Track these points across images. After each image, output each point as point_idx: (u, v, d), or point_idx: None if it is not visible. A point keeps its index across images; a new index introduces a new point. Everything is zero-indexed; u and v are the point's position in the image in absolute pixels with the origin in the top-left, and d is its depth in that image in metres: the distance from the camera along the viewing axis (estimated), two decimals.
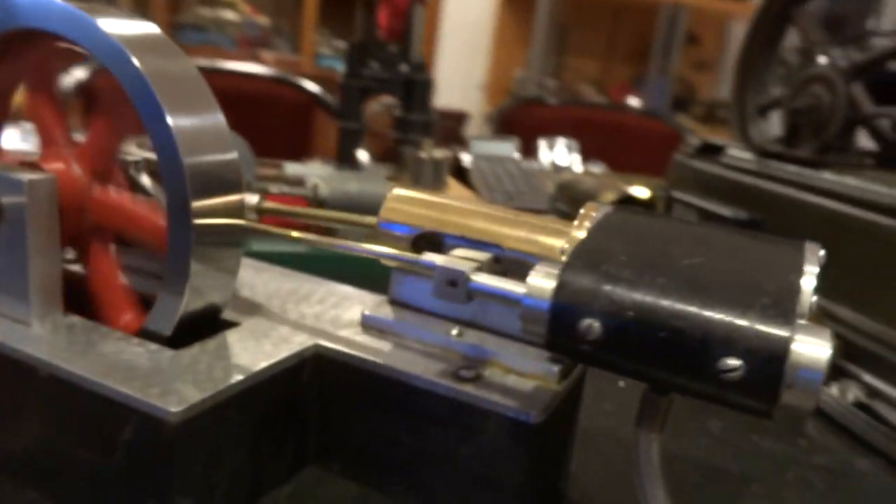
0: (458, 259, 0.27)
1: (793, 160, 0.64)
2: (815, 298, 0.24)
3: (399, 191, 0.34)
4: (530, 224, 0.31)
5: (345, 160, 0.91)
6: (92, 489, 0.28)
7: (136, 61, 0.28)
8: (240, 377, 0.27)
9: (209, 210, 0.29)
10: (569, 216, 0.87)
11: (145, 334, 0.30)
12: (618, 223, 0.28)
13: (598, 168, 1.08)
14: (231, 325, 0.32)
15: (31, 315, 0.29)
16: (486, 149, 1.06)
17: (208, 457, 0.27)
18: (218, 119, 0.30)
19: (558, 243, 0.30)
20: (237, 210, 0.30)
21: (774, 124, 0.81)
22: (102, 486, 0.27)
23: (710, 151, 0.77)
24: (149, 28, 0.30)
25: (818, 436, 0.41)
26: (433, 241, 0.33)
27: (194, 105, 0.29)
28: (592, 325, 0.23)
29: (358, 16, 0.91)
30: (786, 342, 0.20)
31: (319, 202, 0.61)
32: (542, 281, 0.24)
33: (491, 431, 0.28)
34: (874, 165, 0.63)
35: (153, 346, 0.29)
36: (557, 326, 0.24)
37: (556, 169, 1.07)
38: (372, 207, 0.62)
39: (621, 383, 0.43)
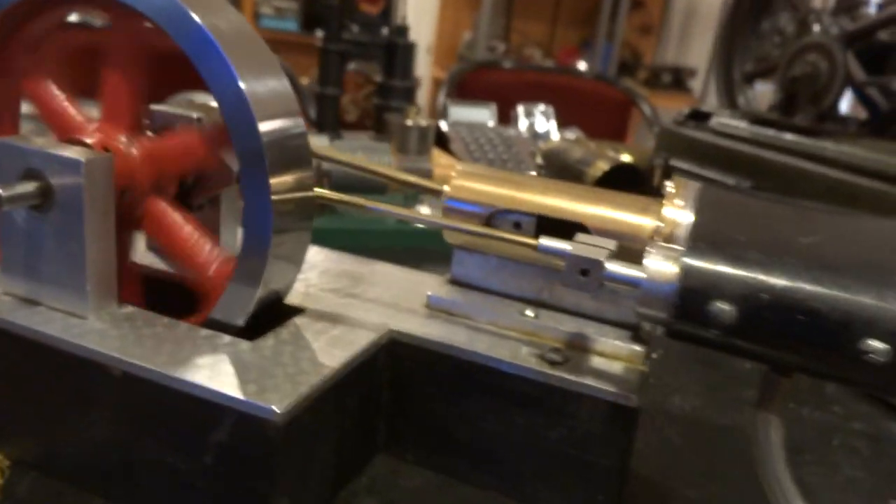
0: (586, 246, 0.26)
1: (790, 128, 0.65)
2: None
3: (464, 166, 0.32)
4: (612, 201, 0.30)
5: (325, 128, 0.88)
6: (172, 494, 0.26)
7: (196, 17, 0.25)
8: (329, 370, 0.26)
9: (286, 186, 0.27)
10: None
11: (212, 324, 0.28)
12: (718, 201, 0.27)
13: (573, 134, 1.07)
14: (293, 310, 0.30)
15: (87, 307, 0.27)
16: (463, 115, 1.04)
17: (305, 454, 0.25)
18: (284, 83, 0.28)
19: (647, 222, 0.29)
20: (310, 184, 0.28)
21: (760, 92, 0.82)
22: (187, 491, 0.25)
23: (698, 118, 0.78)
24: None
25: (847, 401, 0.43)
26: (503, 219, 0.31)
27: (262, 68, 0.27)
28: (725, 309, 0.22)
29: None
30: None
31: (321, 176, 0.58)
32: (664, 264, 0.23)
33: (586, 415, 0.28)
34: (867, 133, 0.65)
35: (226, 338, 0.27)
36: (684, 312, 0.23)
37: (534, 135, 1.06)
38: (376, 181, 0.59)
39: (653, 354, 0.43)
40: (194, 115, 0.30)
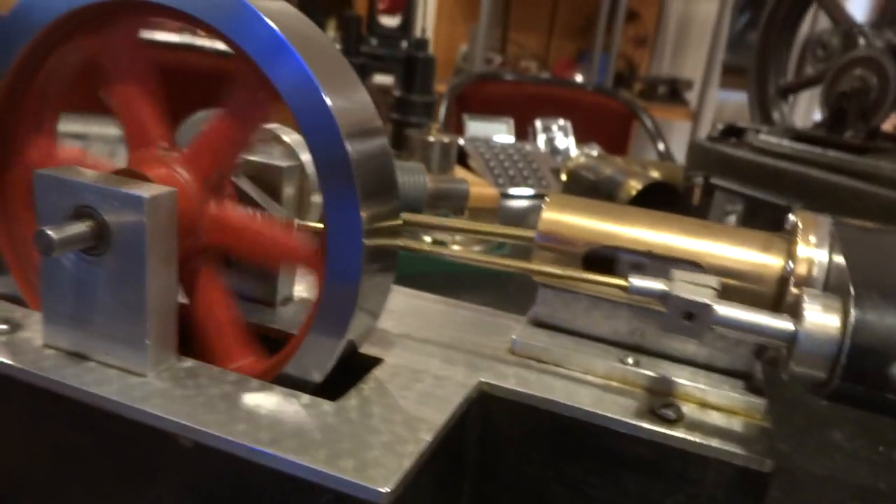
0: (689, 285, 0.23)
1: (838, 145, 0.62)
2: None
3: (555, 197, 0.29)
4: (729, 236, 0.27)
5: None
6: None
7: (277, 28, 0.22)
8: (429, 437, 0.22)
9: (377, 224, 0.23)
10: None
11: (285, 380, 0.24)
12: (862, 240, 0.24)
13: (593, 150, 1.05)
14: (370, 359, 0.27)
15: (147, 364, 0.23)
16: (480, 130, 1.02)
17: None
18: (368, 102, 0.25)
19: (773, 261, 0.26)
20: (398, 220, 0.25)
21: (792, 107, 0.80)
22: None
23: (732, 135, 0.75)
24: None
25: None
26: (602, 255, 0.28)
27: (345, 85, 0.24)
28: None
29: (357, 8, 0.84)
30: None
31: None
32: (826, 317, 0.20)
33: (712, 481, 0.24)
34: None
35: (306, 398, 0.23)
36: (856, 372, 0.20)
37: (553, 151, 1.03)
38: (413, 200, 0.56)
39: None
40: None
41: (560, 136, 1.04)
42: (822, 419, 0.40)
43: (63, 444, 0.24)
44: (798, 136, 0.67)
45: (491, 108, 1.91)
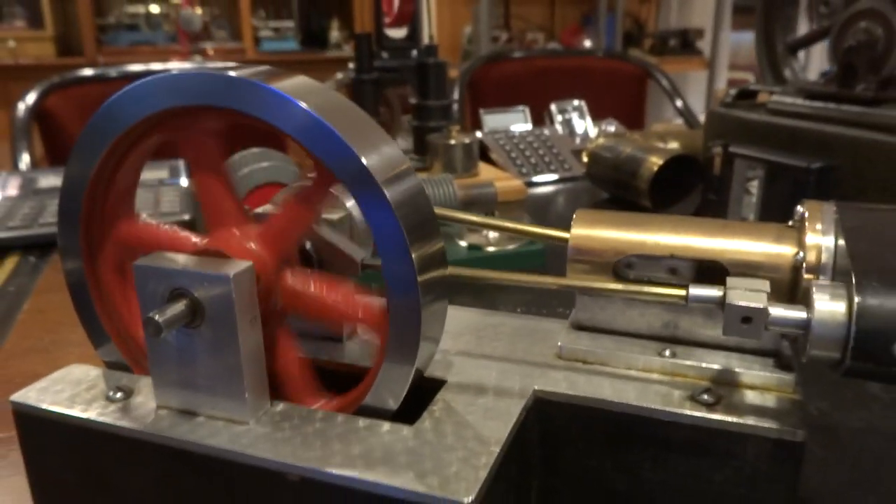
0: (743, 292, 0.26)
1: (852, 100, 0.63)
2: None
3: (582, 212, 0.32)
4: (744, 232, 0.29)
5: None
6: None
7: (327, 122, 0.25)
8: (497, 447, 0.26)
9: (426, 258, 0.27)
10: (607, 183, 0.85)
11: (366, 410, 0.28)
12: (865, 224, 0.26)
13: (611, 126, 1.06)
14: (435, 382, 0.30)
15: (247, 413, 0.27)
16: (498, 122, 1.04)
17: None
18: (396, 149, 0.28)
19: (786, 251, 0.28)
20: (443, 255, 0.28)
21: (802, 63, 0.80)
22: None
23: (747, 97, 0.76)
24: (320, 86, 0.27)
25: None
26: (628, 262, 0.31)
27: (376, 143, 0.27)
28: None
29: (356, 7, 0.87)
30: None
31: None
32: (834, 305, 0.23)
33: (752, 455, 0.27)
34: None
35: (387, 426, 0.27)
36: (864, 352, 0.23)
37: (571, 132, 1.05)
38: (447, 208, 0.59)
39: None
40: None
41: (576, 117, 1.06)
42: None
43: (183, 494, 0.28)
44: (811, 94, 0.69)
45: (503, 89, 1.92)
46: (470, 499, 0.23)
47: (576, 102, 1.07)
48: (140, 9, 3.16)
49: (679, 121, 1.76)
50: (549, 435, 0.30)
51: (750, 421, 0.27)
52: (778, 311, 0.24)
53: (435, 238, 0.28)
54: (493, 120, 1.03)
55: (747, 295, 0.25)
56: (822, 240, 0.27)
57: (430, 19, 0.84)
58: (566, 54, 2.47)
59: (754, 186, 0.66)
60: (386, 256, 0.26)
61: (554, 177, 0.96)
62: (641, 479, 0.29)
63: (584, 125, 1.05)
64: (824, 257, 0.27)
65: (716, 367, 0.30)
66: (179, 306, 0.25)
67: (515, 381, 0.30)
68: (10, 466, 0.37)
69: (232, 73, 0.26)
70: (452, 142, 0.84)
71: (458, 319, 0.37)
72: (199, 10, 2.97)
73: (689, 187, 0.78)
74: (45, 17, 3.09)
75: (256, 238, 0.28)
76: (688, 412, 0.28)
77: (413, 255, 0.26)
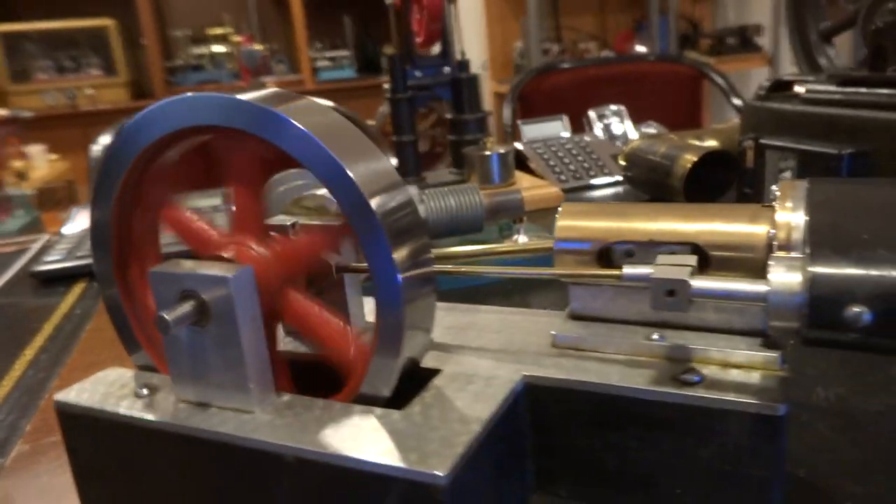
0: (669, 267, 0.27)
1: (884, 83, 0.62)
2: None
3: (566, 206, 0.33)
4: (720, 214, 0.30)
5: (408, 174, 0.91)
6: None
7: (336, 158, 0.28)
8: (477, 426, 0.27)
9: (409, 258, 0.29)
10: (645, 185, 0.85)
11: (362, 398, 0.30)
12: (830, 198, 0.27)
13: (652, 129, 1.06)
14: (431, 371, 0.32)
15: (252, 403, 0.29)
16: (536, 132, 1.05)
17: None
18: (388, 166, 0.30)
19: (760, 230, 0.29)
20: (428, 254, 0.30)
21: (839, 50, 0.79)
22: None
23: (782, 88, 0.75)
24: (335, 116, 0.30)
25: None
26: (611, 250, 0.32)
27: (368, 159, 0.29)
28: (860, 313, 0.22)
29: (392, 29, 0.90)
30: None
31: None
32: (789, 275, 0.24)
33: (734, 430, 0.28)
34: None
35: (378, 411, 0.29)
36: (818, 320, 0.23)
37: (611, 137, 1.05)
38: (472, 220, 0.61)
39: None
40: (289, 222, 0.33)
41: (616, 122, 1.06)
42: (886, 357, 0.42)
43: (201, 477, 0.30)
44: (844, 80, 0.67)
45: (554, 101, 1.92)
46: (444, 472, 0.25)
47: (614, 107, 1.07)
48: (204, 49, 3.33)
49: (738, 119, 1.72)
50: (542, 419, 0.31)
51: (730, 397, 0.28)
52: (701, 283, 0.25)
53: (419, 238, 0.30)
54: (531, 130, 1.04)
55: (671, 270, 0.26)
56: (791, 216, 0.27)
57: (460, 36, 0.87)
58: (616, 61, 2.45)
59: (787, 177, 0.65)
60: (371, 258, 0.28)
61: (593, 182, 0.96)
62: (630, 459, 0.30)
63: (624, 129, 1.05)
64: (794, 234, 0.27)
65: (701, 347, 0.30)
66: (186, 306, 0.28)
67: (508, 369, 0.32)
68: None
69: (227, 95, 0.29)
70: (487, 153, 0.86)
71: (463, 317, 0.38)
72: (259, 46, 3.10)
73: (725, 183, 0.77)
74: (117, 64, 3.31)
75: (271, 249, 0.31)
76: (670, 390, 0.29)
77: (394, 256, 0.28)
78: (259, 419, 0.29)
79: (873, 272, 0.22)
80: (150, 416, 0.30)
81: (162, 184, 0.33)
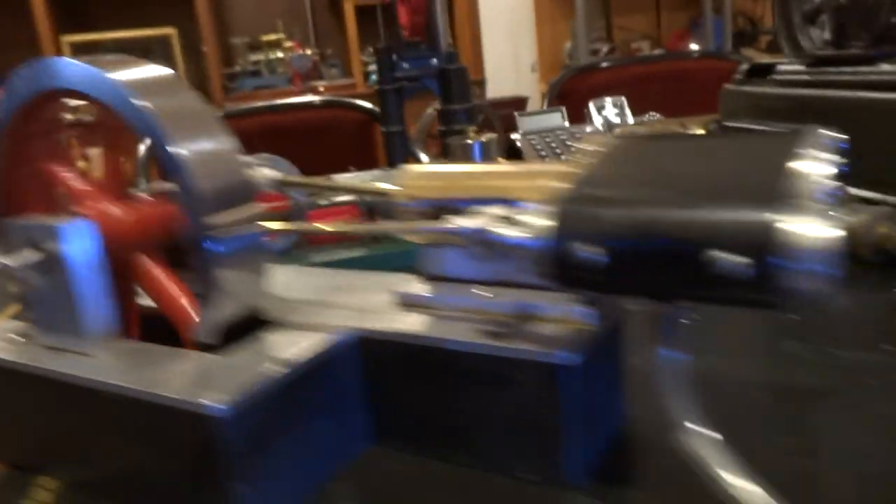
0: (476, 217, 0.27)
1: (846, 60, 0.60)
2: (835, 183, 0.22)
3: (409, 168, 0.34)
4: (536, 172, 0.30)
5: (396, 163, 0.92)
6: (159, 492, 0.29)
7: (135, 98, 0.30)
8: (282, 370, 0.29)
9: (225, 223, 0.30)
10: None
11: (200, 346, 0.32)
12: (621, 151, 0.27)
13: (651, 119, 1.04)
14: (267, 323, 0.34)
15: (90, 346, 0.32)
16: (533, 124, 1.05)
17: (259, 446, 0.28)
18: (223, 142, 0.32)
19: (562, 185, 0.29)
20: (252, 219, 0.32)
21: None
22: (168, 487, 0.29)
23: (761, 73, 0.73)
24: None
25: None
26: (452, 210, 0.33)
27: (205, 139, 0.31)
28: (596, 253, 0.22)
29: (379, 21, 0.92)
30: (765, 226, 0.19)
31: (369, 210, 0.62)
32: (540, 220, 0.24)
33: (534, 380, 0.28)
34: None
35: (195, 354, 0.31)
36: (564, 262, 0.23)
37: (610, 127, 1.04)
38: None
39: None
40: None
41: (615, 113, 1.04)
42: (780, 330, 0.41)
43: (57, 415, 0.33)
44: (815, 60, 0.65)
45: (592, 99, 1.90)
46: (226, 405, 0.26)
47: (614, 99, 1.05)
48: (260, 56, 3.44)
49: None
50: (373, 372, 0.32)
51: (530, 347, 0.28)
52: (500, 230, 0.26)
53: (241, 204, 0.31)
54: (528, 122, 1.04)
55: (474, 219, 0.27)
56: (575, 169, 0.27)
57: (445, 28, 0.88)
58: (658, 59, 2.40)
59: None
60: (187, 224, 0.30)
61: None
62: (451, 411, 0.31)
63: (622, 120, 1.03)
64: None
65: (528, 304, 0.31)
66: (27, 253, 0.31)
67: (342, 322, 0.33)
68: None
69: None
70: (468, 141, 0.86)
71: (328, 277, 0.39)
72: (308, 51, 3.19)
73: None
74: (179, 71, 3.46)
75: (127, 211, 0.33)
76: (478, 342, 0.29)
77: (206, 221, 0.30)
78: (96, 362, 0.31)
79: (605, 211, 0.22)
80: (11, 358, 0.33)
81: (43, 140, 0.36)
